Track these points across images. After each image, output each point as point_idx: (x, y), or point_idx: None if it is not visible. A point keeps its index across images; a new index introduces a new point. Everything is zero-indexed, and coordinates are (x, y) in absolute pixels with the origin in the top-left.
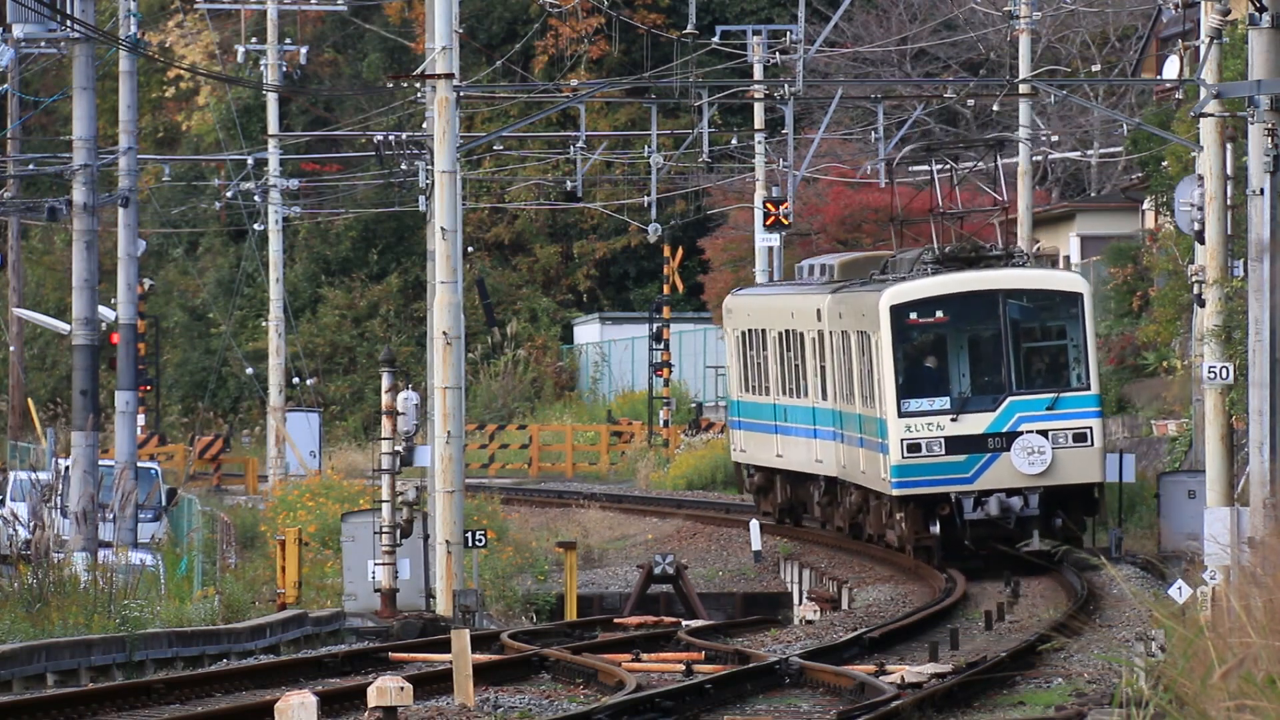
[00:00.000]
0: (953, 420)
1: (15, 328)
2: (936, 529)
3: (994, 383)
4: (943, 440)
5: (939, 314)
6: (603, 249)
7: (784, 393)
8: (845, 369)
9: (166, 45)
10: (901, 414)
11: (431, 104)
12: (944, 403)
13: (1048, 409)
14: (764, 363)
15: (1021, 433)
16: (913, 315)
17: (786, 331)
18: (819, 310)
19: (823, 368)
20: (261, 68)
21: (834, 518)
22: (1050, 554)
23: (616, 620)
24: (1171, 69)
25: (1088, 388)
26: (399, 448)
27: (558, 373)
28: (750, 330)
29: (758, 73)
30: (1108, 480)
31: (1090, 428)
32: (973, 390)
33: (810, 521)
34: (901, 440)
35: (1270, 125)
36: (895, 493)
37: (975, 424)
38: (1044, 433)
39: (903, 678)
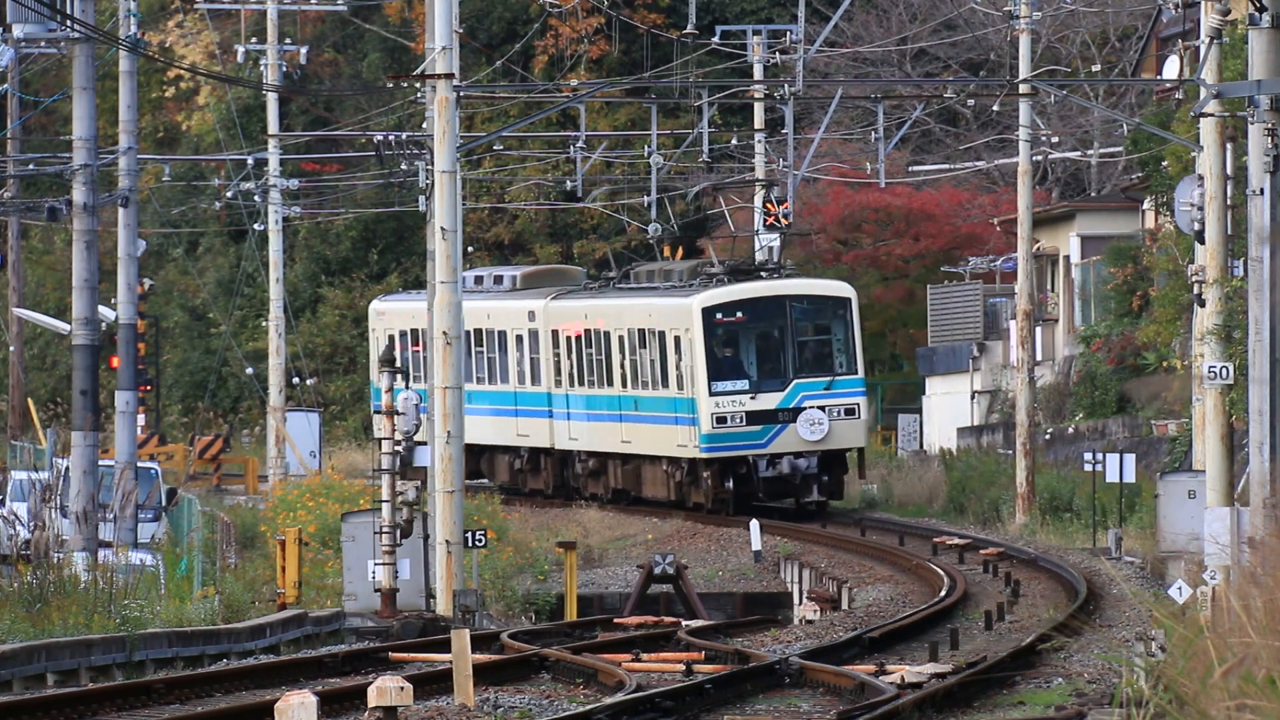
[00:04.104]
0: (751, 398)
1: (15, 328)
2: (731, 485)
3: (782, 368)
4: (744, 414)
5: (739, 314)
6: (603, 249)
7: (472, 380)
8: (596, 361)
9: (166, 45)
10: (712, 393)
11: (431, 104)
12: (744, 384)
13: (825, 389)
14: None
15: (805, 408)
16: (719, 315)
17: (479, 330)
18: (532, 312)
19: (535, 359)
20: (261, 68)
21: (529, 482)
22: (824, 504)
23: (616, 620)
24: (1171, 69)
25: (855, 373)
26: (399, 448)
27: None
28: (416, 330)
29: (758, 73)
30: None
31: (858, 404)
32: (766, 374)
33: (471, 484)
34: (711, 414)
35: (1270, 125)
36: (704, 456)
37: (769, 401)
38: (822, 408)
39: (903, 678)
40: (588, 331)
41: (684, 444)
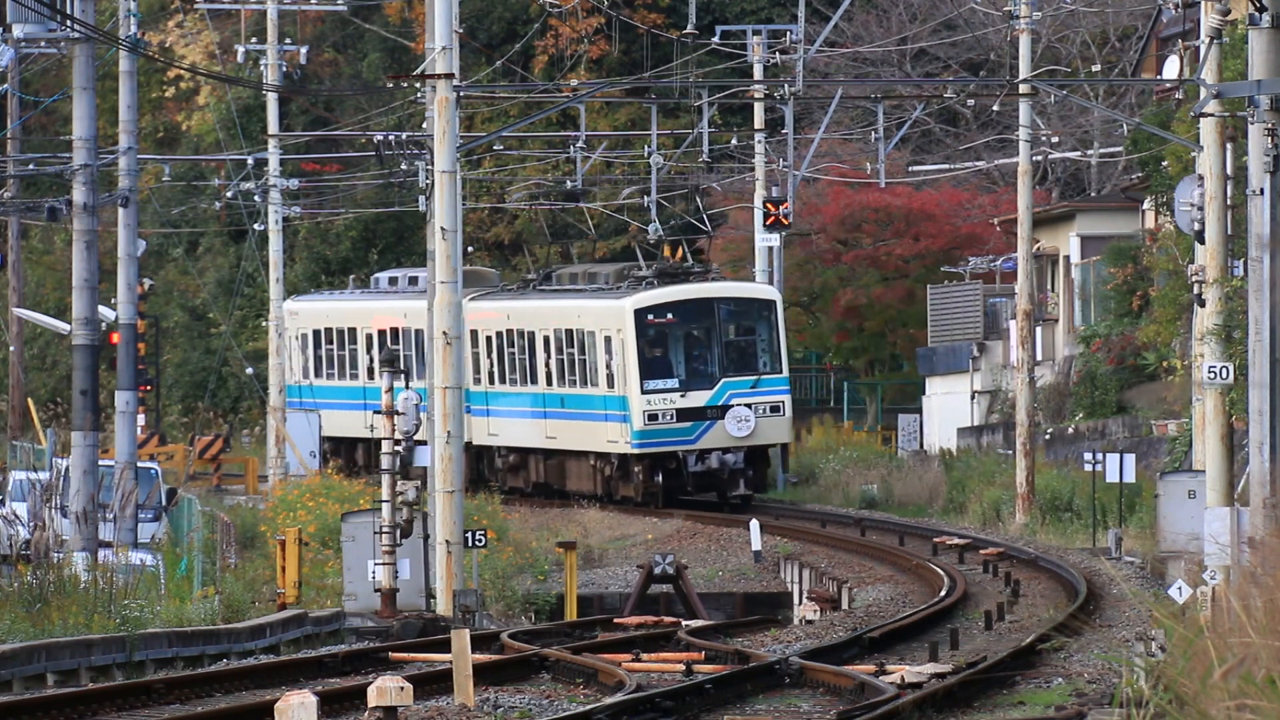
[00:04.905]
0: (681, 396)
1: (15, 328)
2: (661, 479)
3: (710, 367)
4: (674, 411)
5: (669, 316)
6: (603, 249)
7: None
8: (519, 360)
9: (166, 45)
10: (643, 391)
11: (431, 104)
12: (674, 383)
13: (751, 388)
14: (350, 354)
15: (732, 405)
16: (650, 316)
17: (394, 329)
18: None
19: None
20: (261, 68)
21: None
22: (749, 498)
23: (616, 620)
24: (1171, 69)
25: (780, 372)
26: (399, 448)
27: None
28: (330, 329)
29: (758, 73)
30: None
31: (782, 402)
32: (695, 373)
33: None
34: (643, 411)
35: (1270, 125)
36: (636, 451)
37: (698, 399)
38: (749, 405)
39: (903, 678)
40: (510, 331)
41: (615, 440)
